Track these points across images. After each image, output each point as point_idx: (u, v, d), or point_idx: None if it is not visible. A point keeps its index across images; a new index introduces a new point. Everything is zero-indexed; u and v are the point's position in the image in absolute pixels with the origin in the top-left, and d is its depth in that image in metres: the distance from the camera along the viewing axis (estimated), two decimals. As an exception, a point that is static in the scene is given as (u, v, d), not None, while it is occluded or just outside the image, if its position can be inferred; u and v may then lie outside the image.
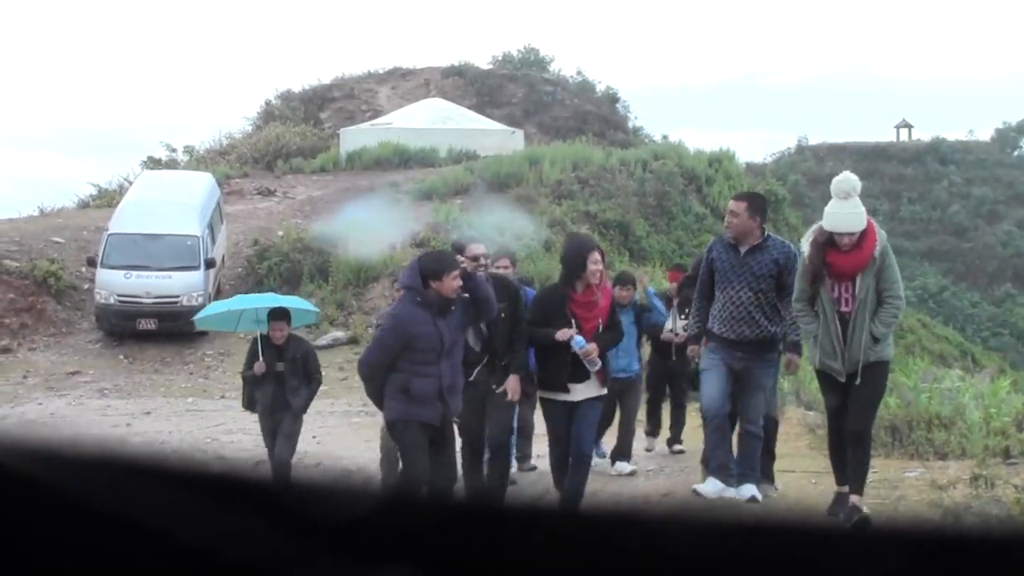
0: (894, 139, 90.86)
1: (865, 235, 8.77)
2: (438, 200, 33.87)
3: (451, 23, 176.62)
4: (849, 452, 8.92)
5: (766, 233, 9.69)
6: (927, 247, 79.57)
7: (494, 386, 9.53)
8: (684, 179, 39.14)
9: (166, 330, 24.31)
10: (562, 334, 9.27)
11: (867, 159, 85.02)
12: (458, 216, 30.92)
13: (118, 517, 0.93)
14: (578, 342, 9.22)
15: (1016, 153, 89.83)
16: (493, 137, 44.11)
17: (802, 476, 11.15)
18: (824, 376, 9.14)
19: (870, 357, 8.81)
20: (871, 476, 10.64)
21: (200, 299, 23.81)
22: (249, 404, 11.97)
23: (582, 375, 9.37)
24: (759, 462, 9.89)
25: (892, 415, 13.51)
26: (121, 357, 24.29)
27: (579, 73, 64.09)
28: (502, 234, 24.86)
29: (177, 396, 21.50)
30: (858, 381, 8.82)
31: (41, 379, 22.80)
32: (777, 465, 10.79)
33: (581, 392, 9.45)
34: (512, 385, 9.49)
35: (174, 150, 46.79)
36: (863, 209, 8.83)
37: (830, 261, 8.78)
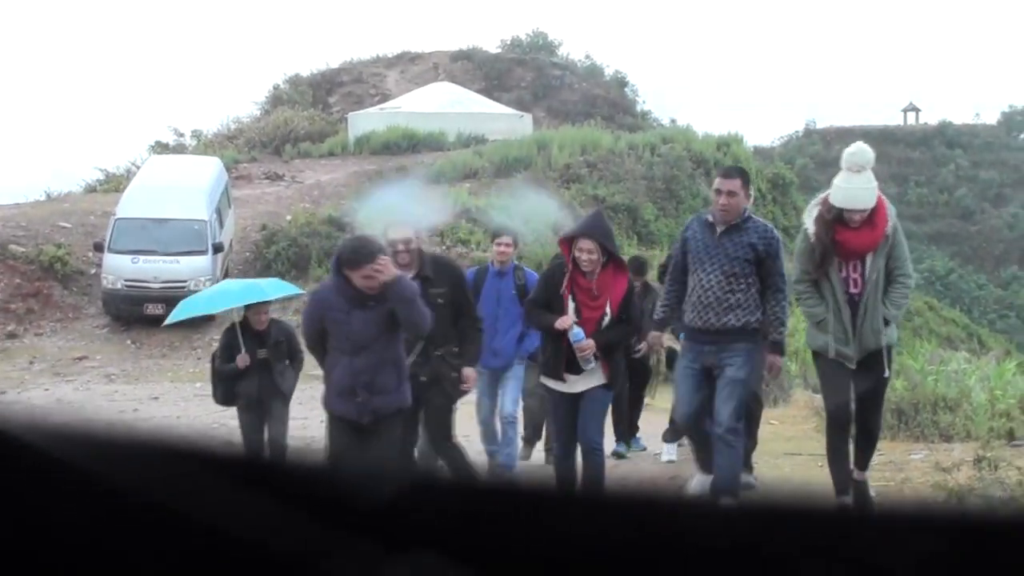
0: (901, 122, 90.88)
1: (876, 211, 8.06)
2: (447, 184, 33.89)
3: (459, 7, 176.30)
4: (858, 442, 8.40)
5: (747, 213, 8.53)
6: (934, 230, 79.57)
7: (423, 378, 8.67)
8: (692, 163, 39.17)
9: (174, 315, 24.27)
10: (561, 322, 8.53)
11: (874, 142, 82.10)
12: (466, 200, 30.88)
13: (142, 499, 0.94)
14: (576, 334, 8.47)
15: (1023, 136, 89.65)
16: (502, 121, 44.14)
17: (809, 459, 11.11)
18: (828, 364, 8.35)
19: (881, 341, 8.20)
20: (877, 458, 10.60)
21: (208, 283, 23.74)
22: (226, 399, 10.84)
23: (580, 366, 8.63)
24: (739, 479, 8.67)
25: (899, 398, 13.49)
26: (128, 342, 24.29)
27: (587, 57, 64.17)
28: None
29: (184, 381, 21.48)
30: (886, 373, 8.32)
31: (48, 365, 22.81)
32: (784, 447, 10.75)
33: (580, 383, 8.68)
34: (469, 375, 8.91)
35: (182, 135, 46.92)
36: (875, 184, 8.08)
37: (839, 239, 8.06)
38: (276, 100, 51.74)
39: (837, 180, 8.06)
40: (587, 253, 8.45)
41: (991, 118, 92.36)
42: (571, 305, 8.57)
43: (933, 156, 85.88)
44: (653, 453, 12.68)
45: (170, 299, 24.18)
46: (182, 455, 1.01)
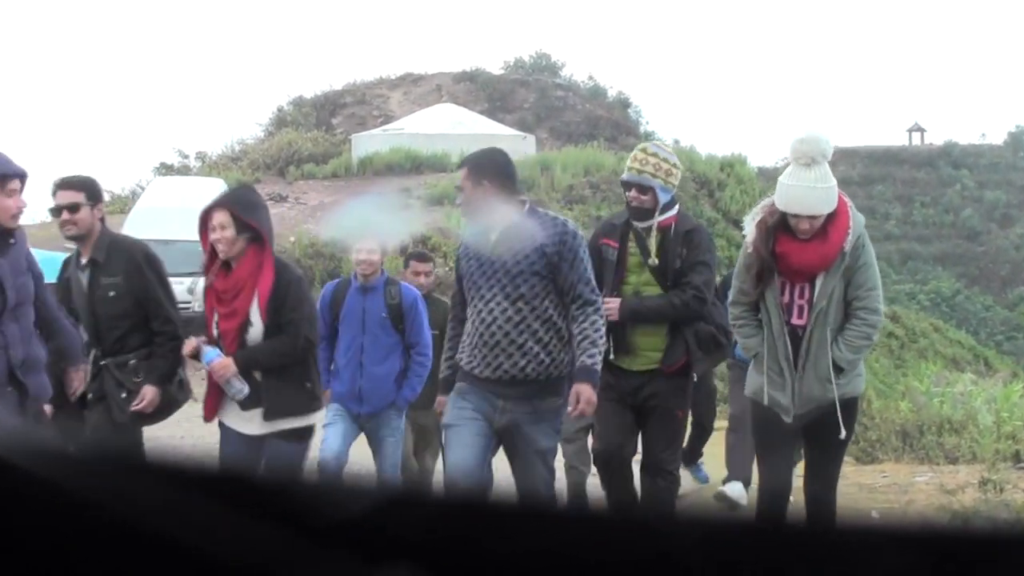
0: (906, 143, 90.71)
1: (834, 220, 6.18)
2: (449, 205, 33.94)
3: (463, 29, 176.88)
4: (809, 517, 6.23)
5: (527, 206, 6.25)
6: (940, 251, 79.42)
7: (89, 395, 6.69)
8: (696, 184, 39.16)
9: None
10: (188, 346, 6.52)
11: (879, 163, 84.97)
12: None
13: (109, 515, 0.92)
14: (207, 355, 6.36)
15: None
16: (505, 142, 44.03)
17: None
18: (764, 413, 6.46)
19: (830, 393, 6.24)
20: (881, 480, 10.63)
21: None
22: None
23: (246, 400, 6.44)
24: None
25: (904, 419, 13.52)
26: (133, 363, 24.29)
27: (591, 78, 64.46)
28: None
29: (190, 400, 21.45)
30: (841, 434, 6.31)
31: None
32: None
33: (250, 424, 6.48)
34: (147, 393, 6.68)
35: (186, 156, 47.02)
36: (833, 183, 6.17)
37: (782, 252, 6.21)
38: (280, 122, 51.85)
39: (781, 177, 6.28)
40: (219, 230, 6.31)
41: (997, 138, 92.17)
42: (215, 316, 6.52)
43: (939, 176, 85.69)
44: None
45: (174, 320, 24.22)
46: (146, 469, 0.99)
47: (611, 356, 6.81)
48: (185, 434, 18.40)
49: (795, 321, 6.27)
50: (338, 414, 8.03)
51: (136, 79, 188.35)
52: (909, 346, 33.77)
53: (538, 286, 6.08)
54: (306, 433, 6.51)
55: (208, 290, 6.47)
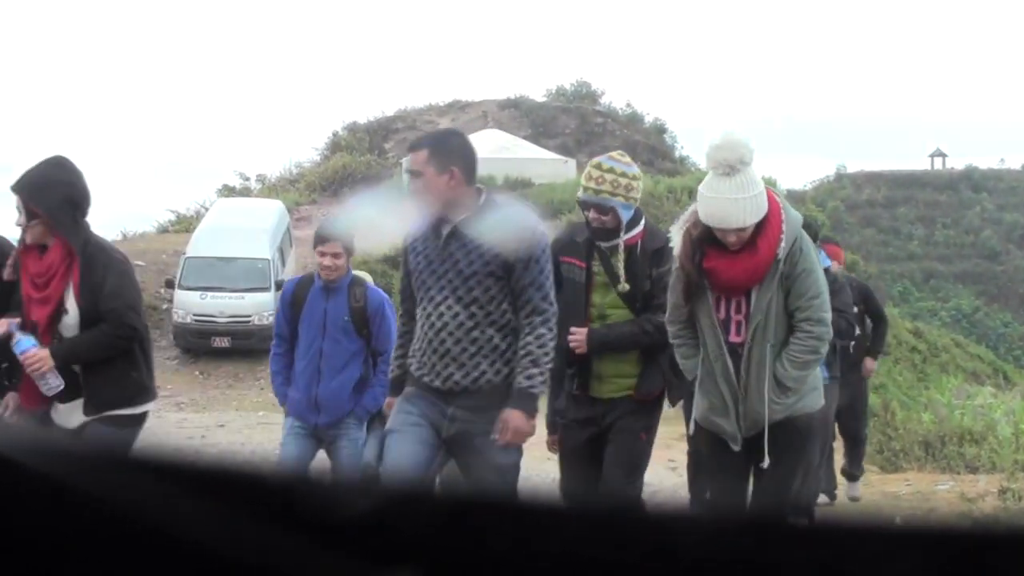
0: (928, 167, 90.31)
1: (763, 228, 5.22)
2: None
3: (508, 58, 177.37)
4: None
5: (483, 196, 5.29)
6: (961, 270, 78.90)
7: None
8: (728, 205, 39.09)
9: (239, 348, 24.43)
10: None
11: (903, 186, 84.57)
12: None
13: (110, 512, 0.90)
14: (20, 344, 5.36)
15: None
16: (547, 166, 44.21)
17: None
18: (710, 438, 5.57)
19: (777, 413, 5.31)
20: (904, 488, 10.56)
21: (270, 318, 23.97)
22: None
23: (63, 394, 5.46)
24: None
25: (926, 430, 13.44)
26: (197, 373, 24.44)
27: (628, 105, 64.20)
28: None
29: (248, 410, 21.58)
30: (764, 461, 5.33)
31: (122, 393, 22.92)
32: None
33: (71, 417, 5.51)
34: (12, 404, 5.61)
35: (247, 178, 47.39)
36: (759, 190, 5.17)
37: (710, 267, 5.30)
38: (335, 146, 52.07)
39: (701, 187, 5.33)
40: (17, 216, 5.42)
41: (1016, 163, 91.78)
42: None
43: (959, 199, 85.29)
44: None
45: (235, 333, 24.44)
46: (151, 467, 0.96)
47: (575, 390, 5.98)
48: (192, 434, 18.58)
49: (733, 339, 5.33)
50: (293, 432, 7.18)
51: (201, 107, 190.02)
52: (931, 360, 33.49)
53: (493, 288, 5.11)
54: (132, 421, 5.65)
55: (23, 272, 5.49)
